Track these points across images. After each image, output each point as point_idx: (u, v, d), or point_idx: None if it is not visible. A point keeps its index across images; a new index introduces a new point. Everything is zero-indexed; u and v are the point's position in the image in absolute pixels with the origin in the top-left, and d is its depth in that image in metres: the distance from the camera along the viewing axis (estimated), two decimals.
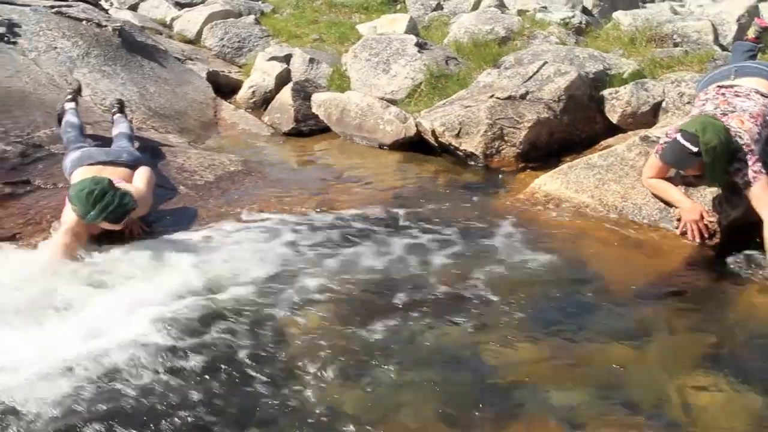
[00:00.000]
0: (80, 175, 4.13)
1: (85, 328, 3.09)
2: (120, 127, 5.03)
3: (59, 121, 5.05)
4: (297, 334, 3.20)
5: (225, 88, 7.56)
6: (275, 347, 3.10)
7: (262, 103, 7.21)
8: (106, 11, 8.59)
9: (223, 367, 2.95)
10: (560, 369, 3.05)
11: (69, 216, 3.77)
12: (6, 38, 6.20)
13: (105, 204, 3.65)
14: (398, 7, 10.19)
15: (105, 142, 5.01)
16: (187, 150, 5.53)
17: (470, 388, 2.90)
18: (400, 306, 3.46)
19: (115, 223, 3.75)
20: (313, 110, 6.51)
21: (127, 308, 3.24)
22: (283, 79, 7.25)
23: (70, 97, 5.21)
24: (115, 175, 4.13)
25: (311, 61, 7.50)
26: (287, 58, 7.63)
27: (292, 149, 6.21)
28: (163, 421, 2.63)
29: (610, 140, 5.67)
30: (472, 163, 5.62)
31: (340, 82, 7.11)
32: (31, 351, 2.91)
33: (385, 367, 2.99)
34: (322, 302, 3.47)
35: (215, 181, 4.96)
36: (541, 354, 3.14)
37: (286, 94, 6.69)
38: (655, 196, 4.38)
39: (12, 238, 3.97)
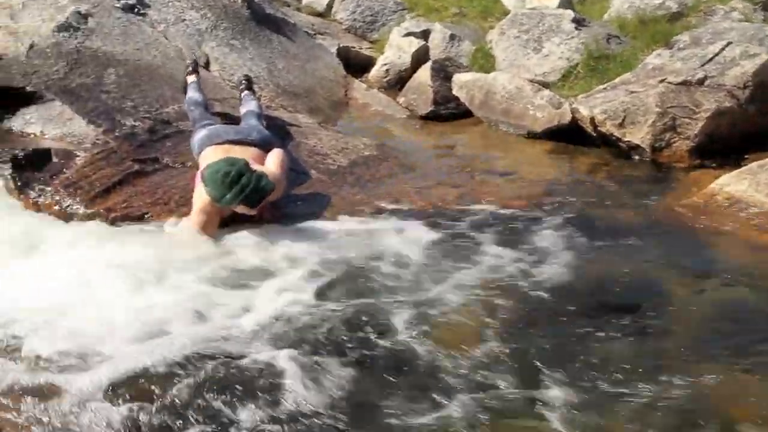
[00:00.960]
0: (209, 154, 4.22)
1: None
2: (248, 105, 5.12)
3: (184, 90, 5.25)
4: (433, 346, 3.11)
5: (356, 65, 7.59)
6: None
7: (396, 82, 7.18)
8: None
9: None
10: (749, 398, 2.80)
11: (201, 198, 3.86)
12: (136, 9, 6.47)
13: (241, 186, 3.70)
14: None
15: (232, 120, 5.13)
16: (318, 131, 5.57)
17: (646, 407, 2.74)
18: (558, 319, 3.32)
19: (251, 206, 3.80)
20: (454, 92, 6.41)
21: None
22: (420, 57, 7.19)
23: (191, 68, 5.40)
24: (244, 155, 4.18)
25: (452, 37, 7.39)
26: (425, 34, 7.56)
27: (430, 134, 6.14)
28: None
29: None
30: (637, 157, 5.34)
31: (484, 61, 6.96)
32: None
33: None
34: (467, 309, 3.38)
35: (349, 167, 4.98)
36: (731, 384, 2.89)
37: (424, 74, 6.63)
38: None
39: (140, 218, 4.11)
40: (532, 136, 5.83)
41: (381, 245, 3.85)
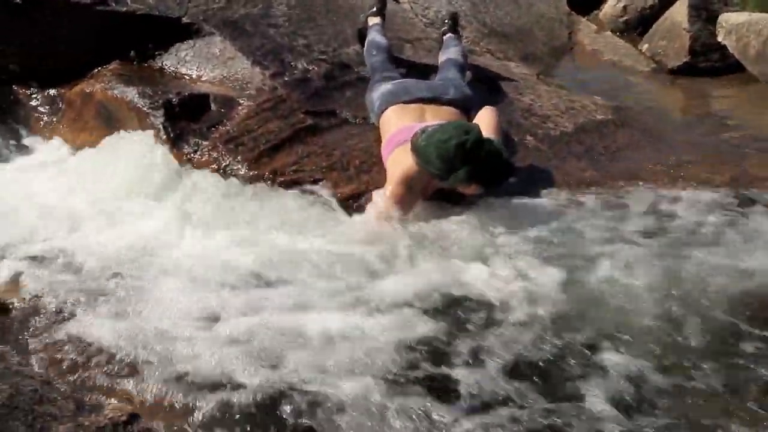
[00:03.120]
0: (393, 116, 4.33)
1: None
2: (450, 52, 5.18)
3: (360, 38, 5.34)
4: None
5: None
6: None
7: (637, 23, 7.12)
8: None
9: None
10: None
11: (405, 172, 3.92)
12: None
13: (482, 160, 3.72)
14: None
15: (420, 69, 5.22)
16: (536, 85, 5.57)
17: None
18: None
19: (492, 185, 3.88)
20: (719, 39, 6.29)
21: None
22: None
23: (375, 9, 5.48)
24: (440, 116, 4.25)
25: None
26: None
27: (684, 94, 6.07)
28: None
29: None
30: None
31: None
32: None
33: None
34: None
35: (575, 133, 4.94)
36: None
37: (677, 13, 6.54)
38: None
39: (313, 184, 4.25)
40: None
41: (622, 238, 3.82)
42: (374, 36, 5.15)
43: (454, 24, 5.48)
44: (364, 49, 5.13)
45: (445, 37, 5.38)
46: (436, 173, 3.79)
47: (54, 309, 3.38)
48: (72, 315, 3.33)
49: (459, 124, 3.93)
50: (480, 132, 3.80)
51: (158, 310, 3.37)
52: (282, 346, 3.12)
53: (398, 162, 4.00)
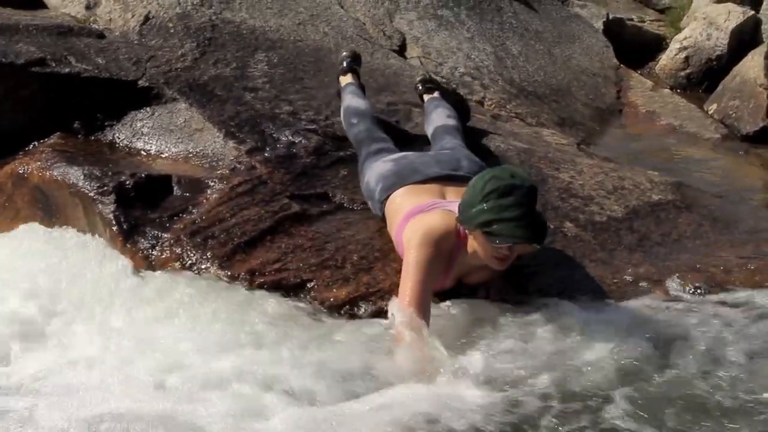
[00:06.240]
0: (408, 196, 4.28)
1: None
2: (437, 117, 5.20)
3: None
4: None
5: (635, 50, 7.73)
6: None
7: (703, 77, 7.24)
8: None
9: None
10: None
11: (432, 224, 3.93)
12: None
13: (529, 207, 3.75)
14: None
15: (422, 139, 5.25)
16: (576, 158, 5.58)
17: None
18: None
19: (532, 242, 3.81)
20: None
21: None
22: (744, 37, 7.17)
23: (345, 65, 5.53)
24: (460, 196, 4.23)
25: None
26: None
27: (763, 167, 6.06)
28: None
29: None
30: None
31: None
32: None
33: None
34: None
35: (626, 219, 4.92)
36: None
37: (752, 66, 6.58)
38: None
39: (300, 287, 4.20)
40: None
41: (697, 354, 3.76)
42: (350, 100, 5.17)
43: (426, 83, 5.53)
44: (341, 118, 5.14)
45: (424, 104, 5.43)
46: (524, 239, 3.74)
47: None
48: None
49: (508, 170, 3.98)
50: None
51: None
52: None
53: (420, 224, 3.98)
